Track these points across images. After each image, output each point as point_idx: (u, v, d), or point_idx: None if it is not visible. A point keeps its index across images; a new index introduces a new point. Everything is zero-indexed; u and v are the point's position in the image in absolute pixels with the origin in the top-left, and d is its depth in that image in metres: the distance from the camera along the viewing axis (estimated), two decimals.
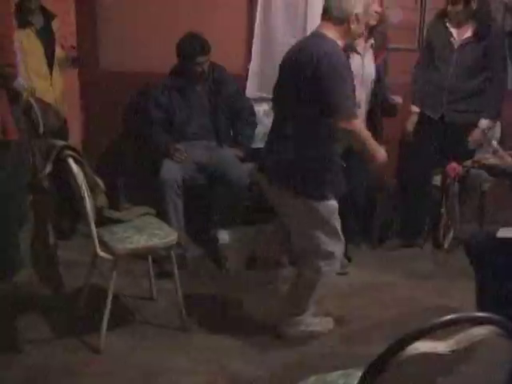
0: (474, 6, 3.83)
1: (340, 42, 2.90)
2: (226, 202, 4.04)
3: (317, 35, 2.95)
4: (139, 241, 3.08)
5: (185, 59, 4.06)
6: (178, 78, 4.14)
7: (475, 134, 3.99)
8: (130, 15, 4.30)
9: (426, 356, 1.43)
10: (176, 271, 3.23)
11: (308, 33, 4.37)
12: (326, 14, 2.92)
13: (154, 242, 3.12)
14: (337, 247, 3.07)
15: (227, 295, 3.70)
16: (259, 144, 4.61)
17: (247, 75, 4.60)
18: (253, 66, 4.57)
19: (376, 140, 3.57)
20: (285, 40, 4.51)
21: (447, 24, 3.93)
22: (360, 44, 3.69)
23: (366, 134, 2.95)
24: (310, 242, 3.03)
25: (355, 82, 3.11)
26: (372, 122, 3.86)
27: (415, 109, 4.18)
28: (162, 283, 3.67)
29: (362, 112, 3.73)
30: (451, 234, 4.03)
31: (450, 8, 3.89)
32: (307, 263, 3.11)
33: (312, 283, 3.12)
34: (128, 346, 3.10)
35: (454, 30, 3.93)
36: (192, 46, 4.00)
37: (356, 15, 2.87)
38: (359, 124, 2.92)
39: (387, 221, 4.53)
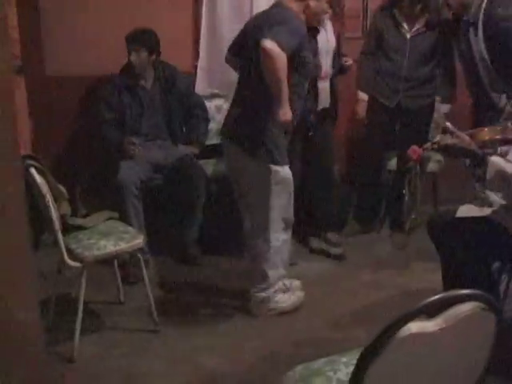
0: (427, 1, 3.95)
1: (301, 16, 3.02)
2: (187, 201, 4.03)
3: (278, 5, 3.05)
4: (106, 246, 3.07)
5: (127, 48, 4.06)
6: (127, 76, 4.11)
7: (438, 119, 4.09)
8: (75, 19, 4.22)
9: (417, 336, 1.47)
10: (145, 273, 3.23)
11: None
12: None
13: (122, 247, 3.10)
14: (290, 215, 3.23)
15: (196, 293, 3.70)
16: (214, 140, 4.65)
17: (196, 72, 4.59)
18: (201, 63, 4.57)
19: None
20: (232, 36, 4.51)
21: (396, 15, 4.01)
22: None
23: (281, 74, 2.89)
24: (263, 210, 3.15)
25: (322, 55, 3.41)
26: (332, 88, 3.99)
27: (363, 96, 4.24)
28: (128, 286, 3.66)
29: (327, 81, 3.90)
30: (412, 217, 4.14)
31: (406, 10, 3.98)
32: (259, 235, 3.22)
33: (267, 256, 3.24)
34: (102, 353, 3.07)
35: (403, 21, 4.02)
36: (129, 35, 4.02)
37: None
38: (283, 58, 2.84)
39: (344, 207, 4.60)
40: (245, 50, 3.16)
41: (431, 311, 1.51)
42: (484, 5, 3.50)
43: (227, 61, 3.48)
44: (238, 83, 3.27)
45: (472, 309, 1.52)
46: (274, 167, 3.09)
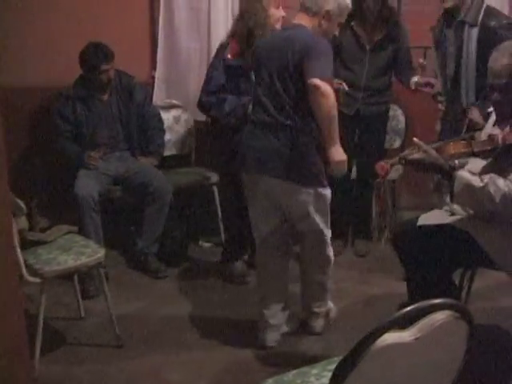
0: (386, 13, 3.99)
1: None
2: (149, 213, 3.98)
3: (296, 25, 2.98)
4: (67, 261, 3.00)
5: (89, 69, 3.97)
6: (81, 88, 4.05)
7: (419, 80, 4.00)
8: (29, 29, 4.13)
9: (393, 347, 1.47)
10: (106, 287, 3.17)
11: (212, 37, 4.42)
12: (302, 5, 2.98)
13: (82, 261, 3.03)
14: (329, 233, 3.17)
15: (157, 306, 3.65)
16: (173, 151, 4.62)
17: (153, 83, 4.55)
18: (159, 74, 4.54)
19: None
20: (190, 45, 4.52)
21: (354, 27, 4.04)
22: None
23: (335, 110, 2.85)
24: (319, 232, 3.08)
25: None
26: None
27: None
28: (88, 301, 3.59)
29: None
30: (386, 229, 4.14)
31: (367, 24, 4.00)
32: (316, 253, 3.17)
33: (326, 270, 3.21)
34: (64, 371, 3.00)
35: (363, 33, 4.05)
36: (95, 55, 3.93)
37: (327, 12, 2.93)
38: (333, 95, 2.82)
39: None
40: (265, 77, 3.00)
41: (405, 321, 1.52)
42: (483, 11, 3.60)
43: None
44: (258, 111, 3.05)
45: (446, 317, 1.53)
46: (322, 190, 3.00)
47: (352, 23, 4.03)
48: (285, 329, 3.29)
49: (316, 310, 3.30)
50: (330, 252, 3.20)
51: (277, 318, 3.22)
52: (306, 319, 3.34)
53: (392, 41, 4.05)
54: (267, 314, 3.19)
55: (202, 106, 3.80)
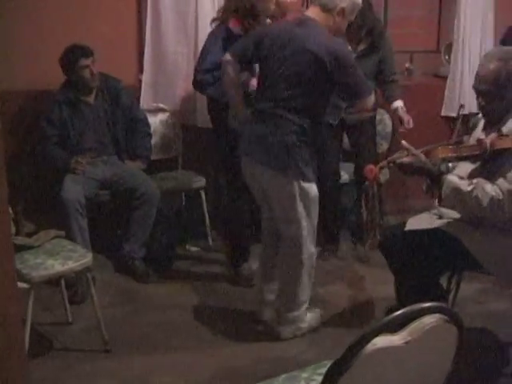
0: (370, 23, 4.01)
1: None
2: (137, 217, 3.97)
3: (310, 20, 2.99)
4: (54, 266, 2.98)
5: (70, 68, 3.95)
6: (68, 91, 4.03)
7: (400, 112, 4.13)
8: (15, 32, 4.11)
9: (383, 351, 1.48)
10: (93, 292, 3.16)
11: (199, 41, 4.40)
12: (317, 0, 3.01)
13: (70, 266, 3.02)
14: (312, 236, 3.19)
15: (145, 311, 3.63)
16: (159, 155, 4.60)
17: (139, 86, 4.54)
18: (146, 77, 4.52)
19: None
20: (177, 49, 4.50)
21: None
22: None
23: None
24: (296, 228, 3.09)
25: None
26: None
27: None
28: (76, 306, 3.57)
29: None
30: (376, 233, 4.16)
31: (352, 33, 3.97)
32: (292, 252, 3.15)
33: (298, 274, 3.18)
34: (52, 376, 2.98)
35: (347, 43, 4.05)
36: (72, 52, 3.93)
37: (342, 9, 2.97)
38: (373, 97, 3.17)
39: None
40: (270, 65, 3.03)
41: (395, 325, 1.52)
42: None
43: (227, 63, 3.25)
44: (259, 100, 3.12)
45: (435, 321, 1.54)
46: (304, 184, 3.03)
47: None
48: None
49: (283, 313, 3.25)
50: (305, 257, 3.15)
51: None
52: (275, 323, 3.31)
53: (376, 51, 4.08)
54: (266, 289, 3.32)
55: (197, 84, 3.75)
